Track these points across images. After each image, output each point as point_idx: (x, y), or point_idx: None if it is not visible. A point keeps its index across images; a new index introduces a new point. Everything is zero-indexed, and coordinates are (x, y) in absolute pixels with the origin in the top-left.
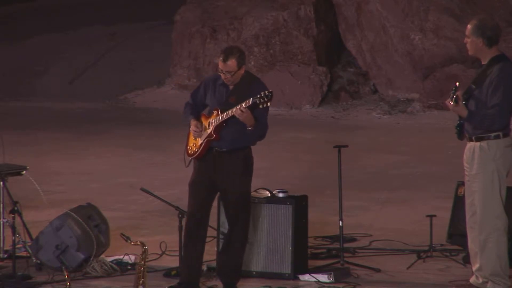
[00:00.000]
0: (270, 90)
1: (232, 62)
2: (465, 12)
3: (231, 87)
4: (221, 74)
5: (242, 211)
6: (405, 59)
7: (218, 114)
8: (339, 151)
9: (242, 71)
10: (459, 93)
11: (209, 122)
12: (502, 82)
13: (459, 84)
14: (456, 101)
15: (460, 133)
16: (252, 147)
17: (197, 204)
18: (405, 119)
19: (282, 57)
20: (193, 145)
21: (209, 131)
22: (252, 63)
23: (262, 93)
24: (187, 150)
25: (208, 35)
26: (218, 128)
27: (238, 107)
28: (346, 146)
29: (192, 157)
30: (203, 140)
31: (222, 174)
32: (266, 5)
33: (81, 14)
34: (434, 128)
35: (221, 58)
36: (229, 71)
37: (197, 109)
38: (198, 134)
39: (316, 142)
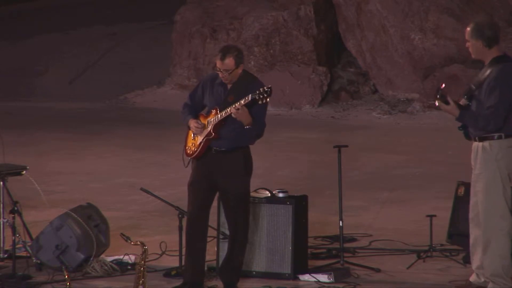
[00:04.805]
0: (269, 86)
1: (229, 61)
2: (465, 12)
3: (229, 86)
4: (219, 72)
5: (242, 212)
6: (405, 59)
7: (217, 113)
8: (339, 151)
9: (240, 70)
10: (448, 96)
11: (208, 121)
12: (499, 84)
13: (444, 86)
14: (446, 102)
15: (467, 134)
16: (252, 147)
17: (197, 204)
18: (405, 119)
19: (282, 57)
20: (192, 144)
21: (208, 129)
22: (252, 63)
23: (261, 89)
24: (185, 150)
25: (208, 35)
26: (217, 126)
27: (234, 105)
28: (346, 146)
29: (191, 156)
30: (202, 139)
31: (222, 174)
32: (266, 5)
33: (81, 14)
34: (434, 128)
35: (219, 56)
36: (226, 69)
37: (195, 110)
38: (199, 131)
39: (316, 142)
